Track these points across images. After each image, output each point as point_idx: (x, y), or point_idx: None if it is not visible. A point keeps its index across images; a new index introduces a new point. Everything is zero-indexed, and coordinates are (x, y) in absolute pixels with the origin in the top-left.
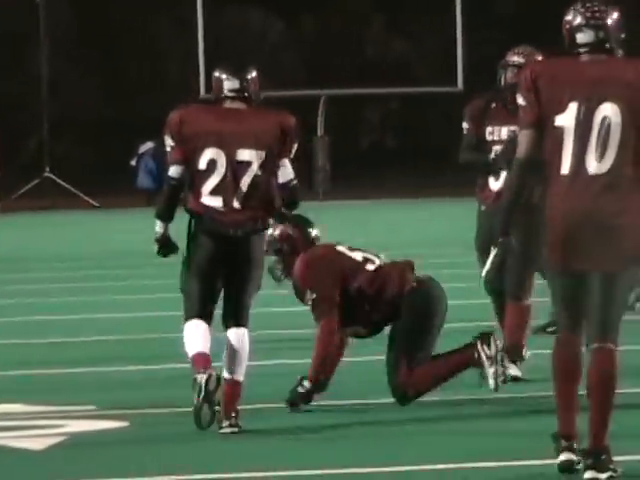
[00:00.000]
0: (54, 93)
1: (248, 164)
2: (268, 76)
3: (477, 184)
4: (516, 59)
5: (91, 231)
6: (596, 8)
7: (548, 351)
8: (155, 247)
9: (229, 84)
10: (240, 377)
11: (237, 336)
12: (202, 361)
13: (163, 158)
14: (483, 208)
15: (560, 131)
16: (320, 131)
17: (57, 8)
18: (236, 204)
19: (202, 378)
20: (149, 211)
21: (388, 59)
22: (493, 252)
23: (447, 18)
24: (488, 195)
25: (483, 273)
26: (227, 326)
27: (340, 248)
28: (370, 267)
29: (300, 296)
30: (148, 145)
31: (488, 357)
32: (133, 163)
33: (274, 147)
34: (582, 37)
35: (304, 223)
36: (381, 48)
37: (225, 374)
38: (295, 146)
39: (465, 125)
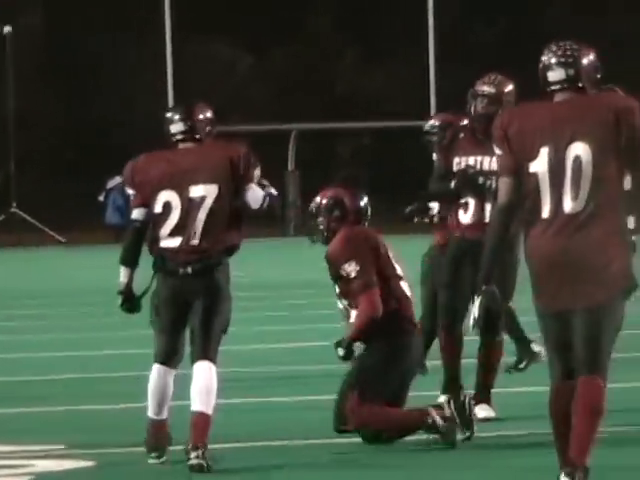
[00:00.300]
0: (21, 128)
1: (202, 199)
2: (238, 110)
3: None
4: (486, 89)
5: (59, 268)
6: (568, 47)
7: (519, 389)
8: (118, 300)
9: (175, 127)
10: (209, 410)
11: (203, 369)
12: (154, 440)
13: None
14: (456, 235)
15: (535, 177)
16: (291, 166)
17: (24, 43)
18: (194, 241)
19: (148, 460)
20: (118, 247)
21: (360, 93)
22: (477, 301)
23: (420, 51)
24: (457, 226)
25: (470, 323)
26: (194, 360)
27: (388, 249)
28: (403, 284)
29: (334, 269)
30: (116, 180)
31: (443, 417)
32: (101, 199)
33: (227, 180)
34: (553, 75)
35: (362, 197)
36: (353, 82)
37: (193, 407)
38: (255, 172)
39: (435, 156)
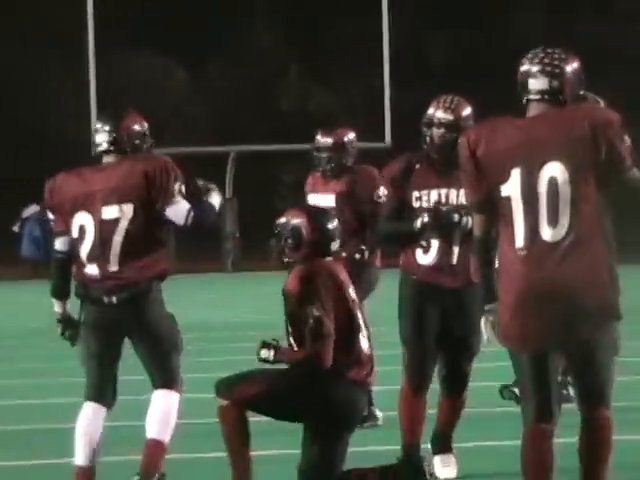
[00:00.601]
0: None
1: (115, 221)
2: (169, 131)
3: (401, 253)
4: (442, 116)
5: None
6: (556, 56)
7: (484, 443)
8: (58, 328)
9: (99, 137)
10: (164, 437)
11: (161, 396)
12: None
13: (50, 223)
14: (414, 277)
15: (507, 202)
16: (229, 193)
17: None
18: (113, 267)
19: None
20: (35, 283)
21: (306, 112)
22: (483, 319)
23: (373, 66)
24: (417, 267)
25: (486, 342)
26: (155, 387)
27: (351, 292)
28: (361, 338)
29: (291, 309)
30: (32, 209)
31: None
32: (16, 229)
33: (142, 198)
34: (535, 83)
35: (325, 229)
36: (298, 99)
37: (147, 434)
38: (176, 186)
39: (383, 191)
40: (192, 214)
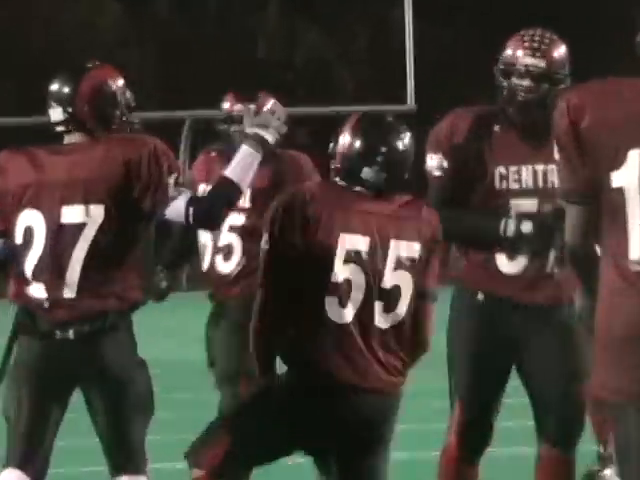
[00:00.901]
0: None
1: (79, 228)
2: None
3: (459, 257)
4: (529, 62)
5: None
6: None
7: None
8: None
9: (52, 114)
10: None
11: None
12: None
13: None
14: (481, 297)
15: (619, 195)
16: (183, 175)
17: None
18: (68, 293)
19: None
20: None
21: (294, 63)
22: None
23: (389, 6)
24: (494, 278)
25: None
26: (114, 473)
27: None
28: (331, 302)
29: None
30: None
31: None
32: None
33: (117, 196)
34: None
35: (363, 151)
36: (282, 47)
37: None
38: (171, 178)
39: (438, 161)
40: (192, 209)
